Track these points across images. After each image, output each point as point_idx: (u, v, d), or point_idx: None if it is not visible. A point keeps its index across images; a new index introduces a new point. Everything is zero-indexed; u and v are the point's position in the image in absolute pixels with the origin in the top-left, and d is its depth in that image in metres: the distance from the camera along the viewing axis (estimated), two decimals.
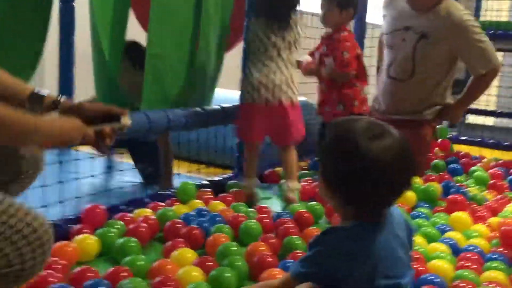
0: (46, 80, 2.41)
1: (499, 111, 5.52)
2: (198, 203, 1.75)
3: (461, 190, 2.01)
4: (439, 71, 2.27)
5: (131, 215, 1.60)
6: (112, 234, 1.43)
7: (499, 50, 4.53)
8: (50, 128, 0.95)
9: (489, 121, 5.73)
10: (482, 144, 3.38)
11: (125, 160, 2.27)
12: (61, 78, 2.33)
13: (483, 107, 5.34)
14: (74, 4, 2.21)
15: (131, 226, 1.49)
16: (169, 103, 1.77)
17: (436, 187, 2.01)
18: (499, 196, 2.10)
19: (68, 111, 1.05)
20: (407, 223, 0.97)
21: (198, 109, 1.86)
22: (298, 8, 1.90)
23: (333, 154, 0.89)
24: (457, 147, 3.05)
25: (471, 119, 5.49)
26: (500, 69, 2.29)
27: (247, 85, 1.86)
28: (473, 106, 5.35)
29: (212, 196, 1.85)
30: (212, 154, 2.28)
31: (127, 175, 2.12)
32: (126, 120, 1.09)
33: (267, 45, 1.85)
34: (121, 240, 1.38)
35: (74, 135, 0.98)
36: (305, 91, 2.34)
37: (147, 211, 1.64)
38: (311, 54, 2.30)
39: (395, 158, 0.85)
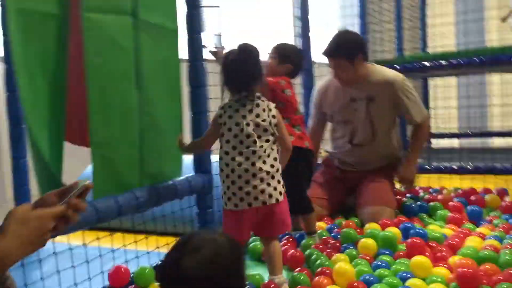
0: None
1: (461, 132, 5.70)
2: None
3: (419, 231, 2.02)
4: (391, 126, 2.53)
5: None
6: None
7: (449, 75, 4.73)
8: (16, 245, 0.88)
9: (455, 143, 5.87)
10: (447, 171, 3.44)
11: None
12: None
13: (445, 130, 5.51)
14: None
15: None
16: (123, 188, 1.77)
17: (394, 232, 2.02)
18: (459, 230, 2.13)
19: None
20: None
21: (150, 187, 1.86)
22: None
23: None
24: (424, 178, 3.12)
25: (436, 143, 5.63)
26: (428, 116, 2.57)
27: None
28: (435, 130, 5.59)
29: None
30: (180, 225, 2.26)
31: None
32: (86, 182, 1.02)
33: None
34: None
35: (44, 229, 0.91)
36: None
37: None
38: None
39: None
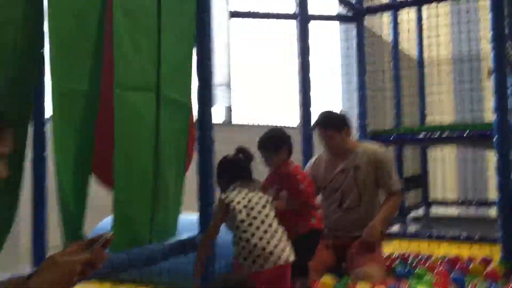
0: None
1: (459, 200, 5.87)
2: None
3: None
4: (374, 194, 2.81)
5: None
6: None
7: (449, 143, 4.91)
8: (45, 285, 1.03)
9: (454, 212, 6.02)
10: (441, 238, 3.62)
11: None
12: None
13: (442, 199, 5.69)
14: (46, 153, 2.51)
15: None
16: (137, 244, 1.98)
17: None
18: None
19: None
20: None
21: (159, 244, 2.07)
22: None
23: None
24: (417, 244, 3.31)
25: (435, 211, 5.79)
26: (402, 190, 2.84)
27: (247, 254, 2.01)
28: (433, 198, 5.76)
29: None
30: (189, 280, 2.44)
31: None
32: (107, 234, 1.15)
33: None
34: None
35: (71, 273, 1.06)
36: None
37: None
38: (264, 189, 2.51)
39: None
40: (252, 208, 2.07)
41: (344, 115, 2.88)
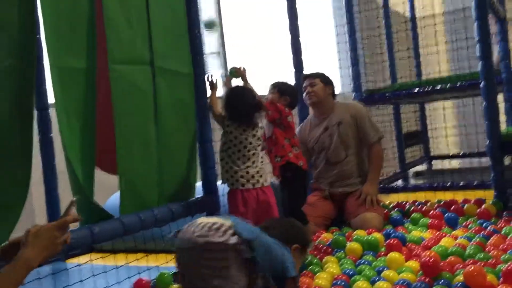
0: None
1: (461, 153, 5.97)
2: None
3: (398, 235, 2.35)
4: (359, 147, 2.97)
5: None
6: None
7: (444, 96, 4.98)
8: (35, 252, 1.20)
9: (456, 165, 6.12)
10: (439, 188, 3.76)
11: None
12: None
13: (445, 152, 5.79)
14: (52, 135, 2.66)
15: None
16: (144, 206, 2.13)
17: (377, 237, 2.34)
18: (436, 233, 2.44)
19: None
20: None
21: (166, 206, 2.22)
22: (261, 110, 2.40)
23: None
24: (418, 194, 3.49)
25: (436, 164, 5.91)
26: (383, 136, 3.01)
27: (230, 177, 2.32)
28: (435, 153, 5.86)
29: None
30: None
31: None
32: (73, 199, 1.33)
33: (245, 145, 2.32)
34: None
35: (53, 237, 1.23)
36: None
37: None
38: None
39: None
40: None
41: (331, 79, 3.08)
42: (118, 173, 2.04)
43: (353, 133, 2.96)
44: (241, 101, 2.35)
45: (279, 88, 2.65)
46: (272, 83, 2.71)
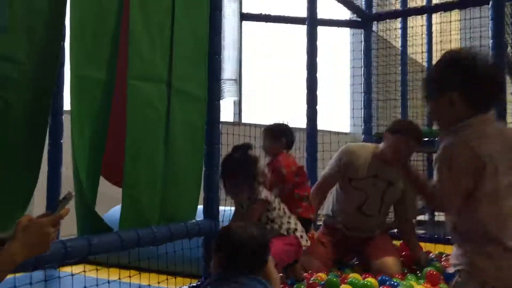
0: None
1: None
2: None
3: (393, 283, 2.32)
4: (390, 205, 2.95)
5: None
6: None
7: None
8: (22, 247, 1.14)
9: None
10: (440, 240, 3.73)
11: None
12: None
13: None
14: (61, 141, 2.67)
15: None
16: (144, 224, 2.11)
17: (372, 281, 2.32)
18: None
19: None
20: None
21: (163, 226, 2.21)
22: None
23: None
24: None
25: (439, 215, 5.85)
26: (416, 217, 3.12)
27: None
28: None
29: None
30: (180, 264, 2.57)
31: None
32: (68, 194, 1.28)
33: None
34: None
35: (43, 233, 1.18)
36: None
37: None
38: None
39: None
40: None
41: None
42: (122, 187, 2.04)
43: (395, 198, 2.86)
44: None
45: (270, 133, 2.71)
46: (264, 128, 2.75)
